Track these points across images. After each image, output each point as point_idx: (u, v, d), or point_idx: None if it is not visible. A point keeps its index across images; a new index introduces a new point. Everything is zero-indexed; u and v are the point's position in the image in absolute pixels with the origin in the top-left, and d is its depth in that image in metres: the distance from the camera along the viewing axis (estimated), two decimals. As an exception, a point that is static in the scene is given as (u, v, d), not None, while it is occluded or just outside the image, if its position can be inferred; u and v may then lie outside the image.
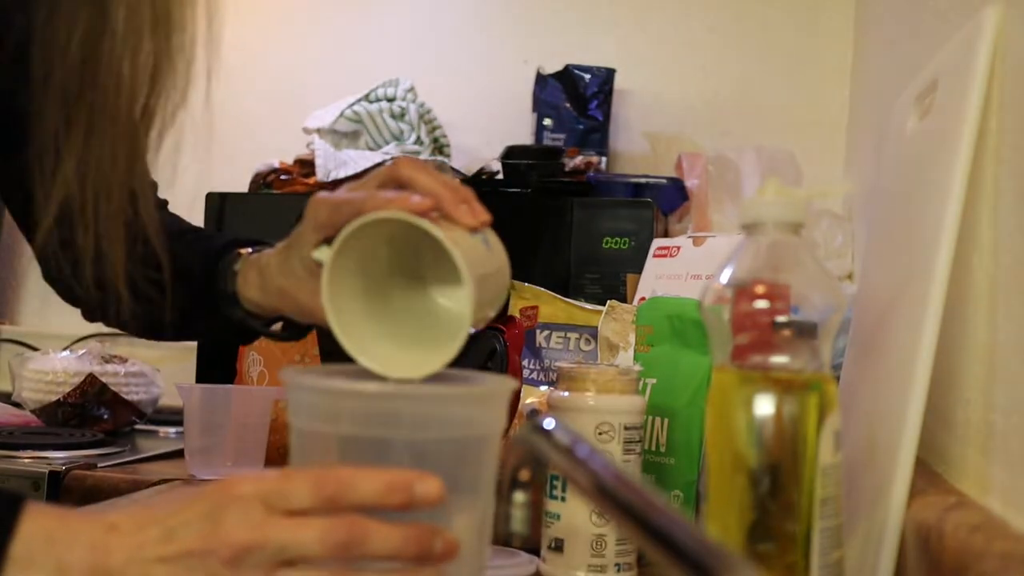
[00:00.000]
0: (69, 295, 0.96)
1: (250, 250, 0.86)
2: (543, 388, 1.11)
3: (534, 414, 1.06)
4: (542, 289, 1.18)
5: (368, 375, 0.62)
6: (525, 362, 1.13)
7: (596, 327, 1.10)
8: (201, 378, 1.38)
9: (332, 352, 0.65)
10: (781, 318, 0.58)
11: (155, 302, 0.84)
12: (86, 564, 0.58)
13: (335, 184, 1.45)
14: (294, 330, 0.87)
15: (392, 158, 0.82)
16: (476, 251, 0.64)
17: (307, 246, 0.74)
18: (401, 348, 0.64)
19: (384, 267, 0.67)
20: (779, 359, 0.58)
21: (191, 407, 1.14)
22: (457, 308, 0.65)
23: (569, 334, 1.13)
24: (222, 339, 0.97)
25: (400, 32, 1.86)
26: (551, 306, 1.16)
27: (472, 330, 0.62)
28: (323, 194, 0.74)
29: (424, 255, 0.67)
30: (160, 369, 1.53)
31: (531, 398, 1.09)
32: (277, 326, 0.87)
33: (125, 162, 0.78)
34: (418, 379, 0.61)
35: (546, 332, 1.14)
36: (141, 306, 0.83)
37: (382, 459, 0.56)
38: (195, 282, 0.87)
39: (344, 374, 0.62)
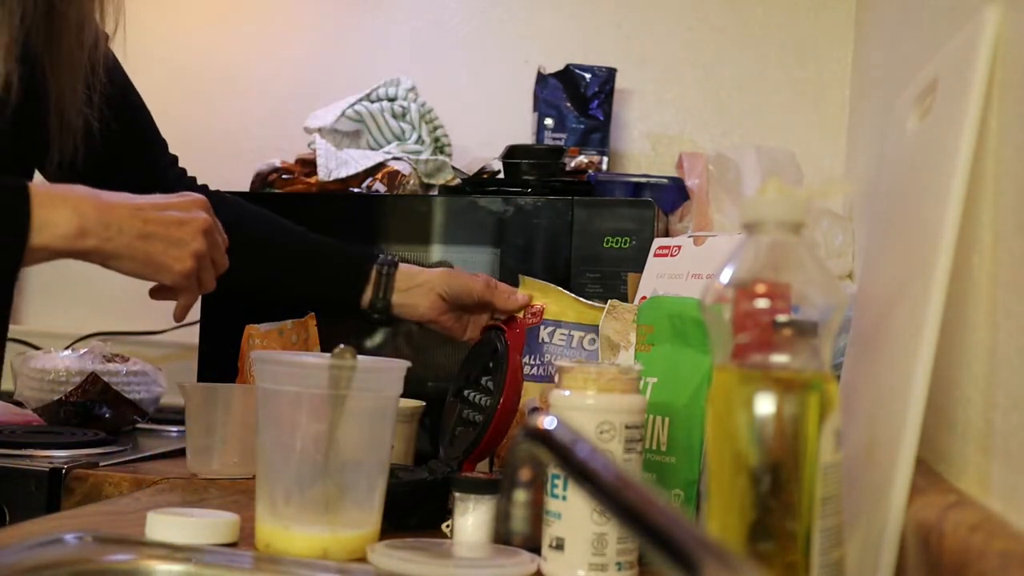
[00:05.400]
0: None
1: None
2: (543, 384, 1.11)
3: (535, 412, 1.06)
4: (552, 285, 1.16)
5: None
6: (526, 358, 1.13)
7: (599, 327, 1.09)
8: (202, 377, 1.39)
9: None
10: (782, 317, 0.58)
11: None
12: (95, 215, 0.92)
13: (336, 183, 1.45)
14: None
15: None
16: None
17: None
18: None
19: None
20: (780, 358, 0.58)
21: (192, 406, 1.15)
22: None
23: (574, 332, 1.13)
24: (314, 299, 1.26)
25: (400, 32, 1.87)
26: (559, 303, 1.14)
27: None
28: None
29: None
30: (162, 368, 1.53)
31: (532, 395, 1.09)
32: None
33: None
34: None
35: (550, 328, 1.14)
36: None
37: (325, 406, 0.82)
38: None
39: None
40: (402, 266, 1.21)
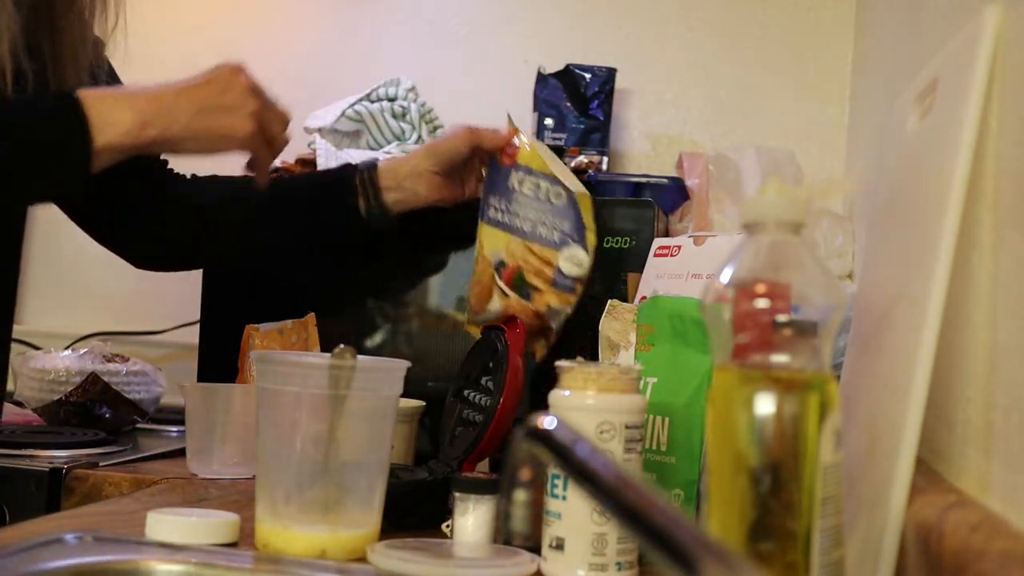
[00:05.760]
0: None
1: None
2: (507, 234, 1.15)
3: (501, 268, 1.06)
4: (525, 137, 1.20)
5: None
6: (494, 202, 1.17)
7: (565, 185, 1.14)
8: (202, 377, 1.38)
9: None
10: (782, 317, 0.58)
11: None
12: (149, 106, 0.97)
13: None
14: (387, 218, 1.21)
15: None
16: None
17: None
18: None
19: None
20: (780, 358, 0.58)
21: (192, 406, 1.15)
22: None
23: (541, 182, 1.15)
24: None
25: (400, 32, 1.87)
26: (532, 150, 1.18)
27: None
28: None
29: None
30: (162, 368, 1.53)
31: (499, 246, 1.14)
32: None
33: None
34: None
35: (520, 174, 1.17)
36: None
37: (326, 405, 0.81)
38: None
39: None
40: (381, 164, 1.23)
